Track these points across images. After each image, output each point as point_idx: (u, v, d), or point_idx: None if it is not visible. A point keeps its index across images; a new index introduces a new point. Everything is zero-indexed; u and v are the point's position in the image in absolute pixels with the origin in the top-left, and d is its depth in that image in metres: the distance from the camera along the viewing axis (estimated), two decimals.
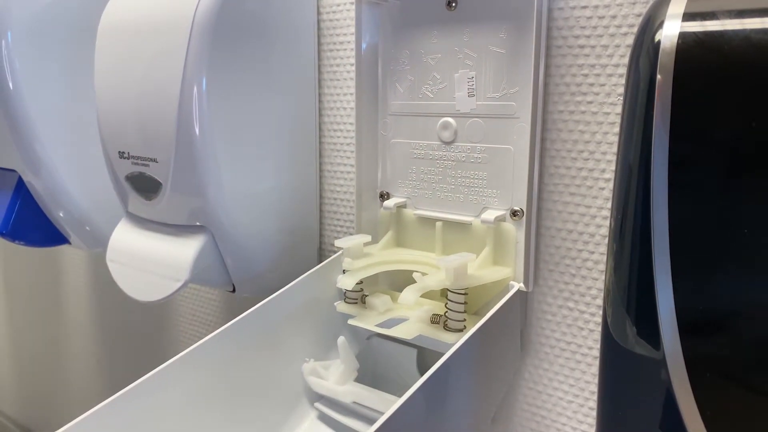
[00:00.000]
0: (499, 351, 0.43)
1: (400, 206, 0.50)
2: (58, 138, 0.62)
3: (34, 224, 0.64)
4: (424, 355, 0.51)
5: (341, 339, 0.50)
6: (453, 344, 0.38)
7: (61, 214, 0.65)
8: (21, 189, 0.63)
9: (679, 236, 0.29)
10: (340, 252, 0.50)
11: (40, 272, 1.03)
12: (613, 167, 0.40)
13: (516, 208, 0.44)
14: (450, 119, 0.47)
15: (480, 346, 0.40)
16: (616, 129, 0.40)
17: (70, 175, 0.63)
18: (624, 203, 0.31)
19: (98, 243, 0.67)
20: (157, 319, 0.81)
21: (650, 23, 0.31)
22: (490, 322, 0.40)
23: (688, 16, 0.30)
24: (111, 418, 0.39)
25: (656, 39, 0.30)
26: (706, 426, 0.29)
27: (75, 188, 0.64)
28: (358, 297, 0.50)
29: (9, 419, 1.27)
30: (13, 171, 0.63)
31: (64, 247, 0.93)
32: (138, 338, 0.86)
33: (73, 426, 0.37)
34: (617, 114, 0.40)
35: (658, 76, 0.29)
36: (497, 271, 0.45)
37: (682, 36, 0.29)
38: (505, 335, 0.43)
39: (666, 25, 0.30)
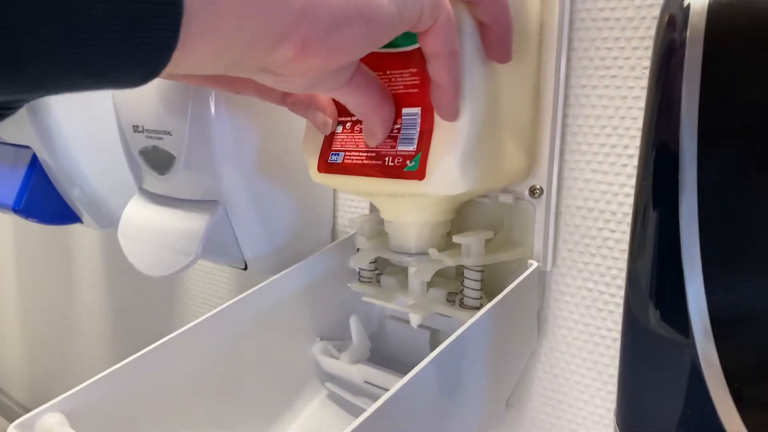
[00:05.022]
0: (514, 330, 0.42)
1: None
2: (73, 115, 0.61)
3: (47, 201, 0.64)
4: (437, 337, 0.50)
5: (353, 317, 0.49)
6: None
7: (76, 192, 0.65)
8: (35, 166, 0.63)
9: (710, 219, 0.27)
10: (354, 232, 0.50)
11: (52, 253, 1.03)
12: (637, 143, 0.39)
13: (536, 185, 0.43)
14: None
15: (495, 323, 0.39)
16: (640, 104, 0.38)
17: (84, 154, 0.63)
18: (648, 181, 0.29)
19: (110, 222, 0.67)
20: (168, 301, 0.81)
21: None
22: (506, 299, 0.39)
23: None
24: (115, 386, 0.38)
25: (685, 3, 0.29)
26: (743, 418, 0.27)
27: (89, 167, 0.64)
28: (373, 276, 0.49)
29: (17, 404, 1.27)
30: (28, 147, 0.63)
31: (76, 228, 0.93)
32: (148, 320, 0.86)
33: (78, 391, 0.36)
34: (642, 88, 0.39)
35: (688, 39, 0.28)
36: (515, 250, 0.44)
37: None
38: (521, 314, 0.42)
39: None
